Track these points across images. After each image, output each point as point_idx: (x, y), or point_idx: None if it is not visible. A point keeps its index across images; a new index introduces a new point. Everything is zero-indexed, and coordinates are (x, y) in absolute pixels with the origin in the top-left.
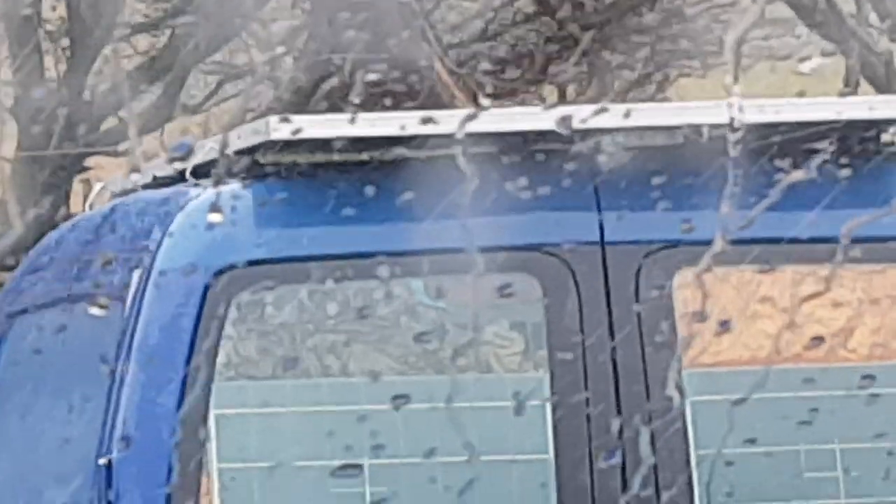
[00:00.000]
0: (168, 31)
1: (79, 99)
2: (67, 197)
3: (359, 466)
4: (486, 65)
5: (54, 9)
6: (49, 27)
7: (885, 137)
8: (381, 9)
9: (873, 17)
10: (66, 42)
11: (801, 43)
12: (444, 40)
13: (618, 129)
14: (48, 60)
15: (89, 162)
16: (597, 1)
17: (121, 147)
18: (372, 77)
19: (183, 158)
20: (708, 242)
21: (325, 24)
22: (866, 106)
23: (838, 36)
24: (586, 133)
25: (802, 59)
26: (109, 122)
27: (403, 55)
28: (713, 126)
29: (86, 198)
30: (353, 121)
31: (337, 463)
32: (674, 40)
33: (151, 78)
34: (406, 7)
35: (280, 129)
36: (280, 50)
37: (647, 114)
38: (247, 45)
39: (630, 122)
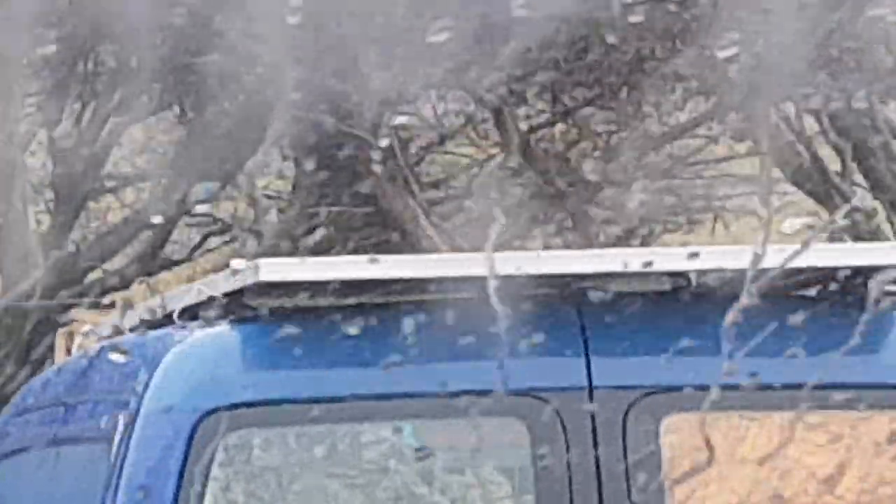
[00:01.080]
0: (152, 183)
1: (63, 251)
2: (52, 350)
3: None
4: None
5: (43, 165)
6: (33, 179)
7: (871, 285)
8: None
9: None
10: (50, 195)
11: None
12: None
13: (612, 275)
14: (32, 212)
15: (73, 315)
16: (583, 157)
17: (105, 300)
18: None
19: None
20: (697, 388)
21: (310, 175)
22: (856, 254)
23: (823, 194)
24: (576, 276)
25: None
26: (94, 275)
27: (387, 206)
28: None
29: (69, 351)
30: (340, 265)
31: None
32: (659, 195)
33: (136, 230)
34: (391, 160)
35: (269, 272)
36: (265, 203)
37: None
38: (233, 198)
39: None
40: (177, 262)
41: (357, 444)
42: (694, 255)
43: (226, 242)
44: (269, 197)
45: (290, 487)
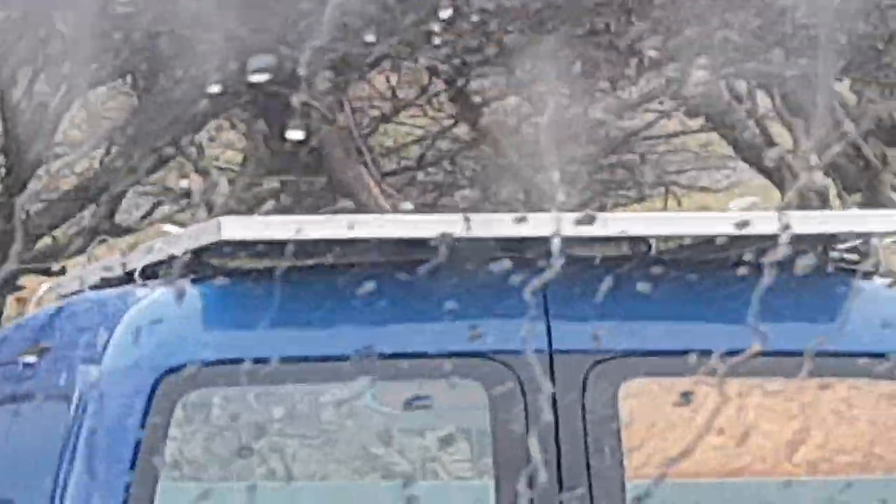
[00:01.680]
0: (104, 153)
1: (13, 217)
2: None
3: None
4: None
5: None
6: None
7: (833, 254)
8: (318, 129)
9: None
10: (1, 160)
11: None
12: (380, 164)
13: (570, 239)
14: None
15: (23, 281)
16: (535, 130)
17: (54, 266)
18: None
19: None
20: (655, 353)
21: (261, 146)
22: (818, 220)
23: (774, 171)
24: (537, 241)
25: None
26: (44, 241)
27: (339, 176)
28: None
29: (20, 315)
30: (302, 225)
31: None
32: (611, 170)
33: (87, 199)
34: (344, 129)
35: (231, 230)
36: (216, 174)
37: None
38: (183, 168)
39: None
40: (127, 231)
41: (316, 404)
42: (652, 221)
43: (176, 212)
44: (220, 168)
45: (248, 446)
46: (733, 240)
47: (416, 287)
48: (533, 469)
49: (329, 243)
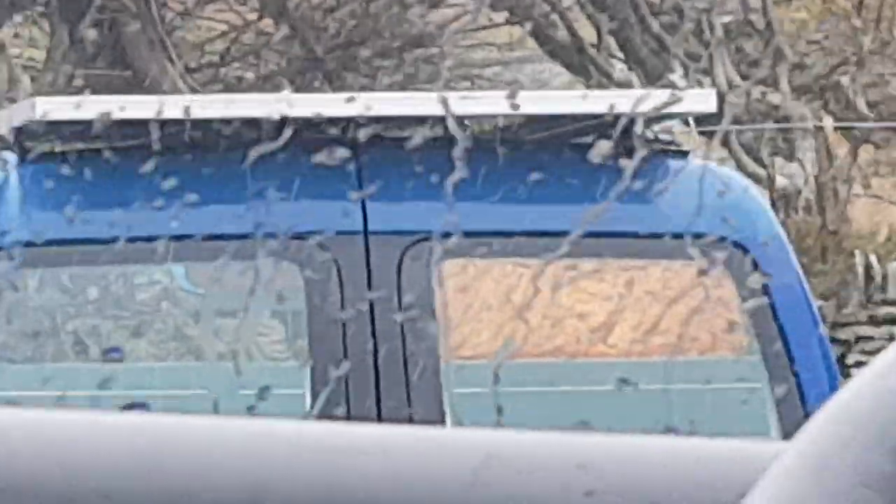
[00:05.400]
0: None
1: None
2: None
3: None
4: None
5: None
6: None
7: (642, 132)
8: (124, 25)
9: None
10: None
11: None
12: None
13: (388, 119)
14: None
15: None
16: (340, 25)
17: None
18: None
19: None
20: (471, 234)
21: (67, 38)
22: (627, 100)
23: (579, 66)
24: (353, 121)
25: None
26: None
27: (145, 71)
28: (475, 117)
29: None
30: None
31: None
32: (414, 64)
33: None
34: (149, 24)
35: (44, 111)
36: (19, 71)
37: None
38: None
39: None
40: None
41: (130, 285)
42: (463, 99)
43: None
44: (23, 67)
45: (63, 328)
46: (550, 120)
47: (231, 168)
48: (348, 351)
49: (140, 124)
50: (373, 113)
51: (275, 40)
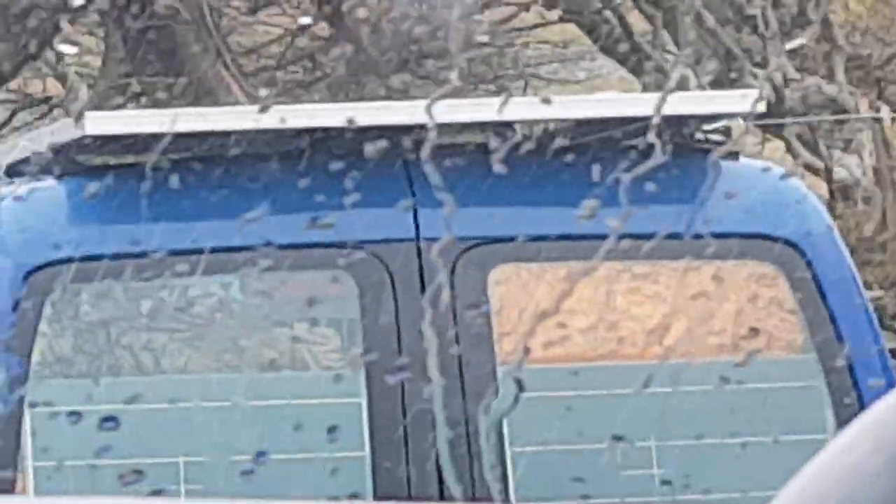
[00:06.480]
0: None
1: None
2: None
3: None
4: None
5: None
6: None
7: (698, 135)
8: (179, 32)
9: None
10: None
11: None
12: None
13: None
14: None
15: None
16: (394, 26)
17: None
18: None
19: None
20: (524, 239)
21: (122, 46)
22: (682, 102)
23: (633, 62)
24: (404, 129)
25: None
26: None
27: (199, 77)
28: (528, 123)
29: None
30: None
31: (156, 460)
32: (470, 64)
33: None
34: (203, 30)
35: (95, 126)
36: (74, 78)
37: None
38: (41, 74)
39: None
40: None
41: (185, 298)
42: (520, 107)
43: (36, 118)
44: (79, 74)
45: (117, 342)
46: (599, 124)
47: (284, 179)
48: (403, 359)
49: (193, 137)
50: (423, 120)
51: (329, 43)
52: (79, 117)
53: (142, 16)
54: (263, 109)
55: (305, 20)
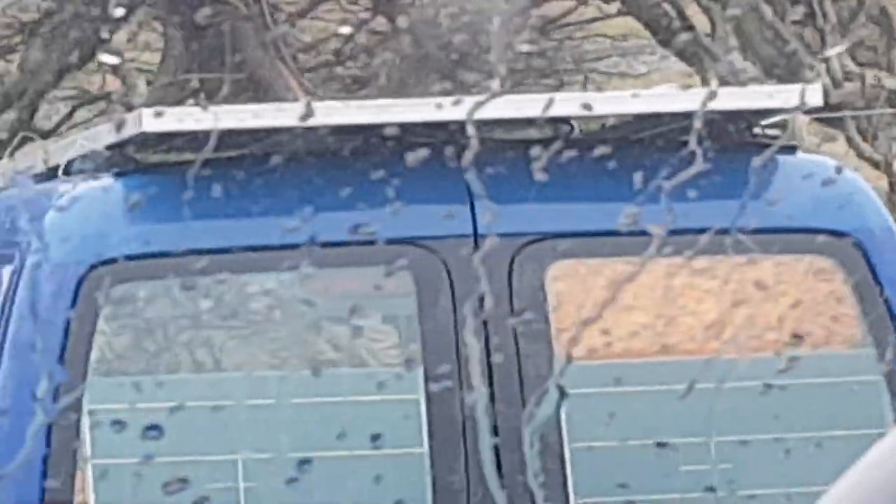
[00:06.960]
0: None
1: None
2: None
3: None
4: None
5: None
6: None
7: (756, 130)
8: (237, 28)
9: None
10: None
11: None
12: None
13: (493, 122)
14: None
15: None
16: (453, 21)
17: None
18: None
19: None
20: (582, 235)
21: (182, 45)
22: (737, 97)
23: (692, 55)
24: (461, 124)
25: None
26: None
27: (258, 74)
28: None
29: None
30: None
31: (213, 458)
32: (528, 58)
33: (5, 103)
34: (261, 27)
35: (152, 123)
36: (134, 75)
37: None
38: (101, 70)
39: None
40: (46, 135)
41: (243, 295)
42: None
43: (95, 115)
44: (138, 70)
45: (176, 339)
46: (656, 119)
47: (341, 175)
48: (461, 355)
49: (249, 133)
50: (481, 116)
51: (388, 38)
52: (135, 114)
53: (200, 12)
54: (307, 113)
55: (364, 15)
